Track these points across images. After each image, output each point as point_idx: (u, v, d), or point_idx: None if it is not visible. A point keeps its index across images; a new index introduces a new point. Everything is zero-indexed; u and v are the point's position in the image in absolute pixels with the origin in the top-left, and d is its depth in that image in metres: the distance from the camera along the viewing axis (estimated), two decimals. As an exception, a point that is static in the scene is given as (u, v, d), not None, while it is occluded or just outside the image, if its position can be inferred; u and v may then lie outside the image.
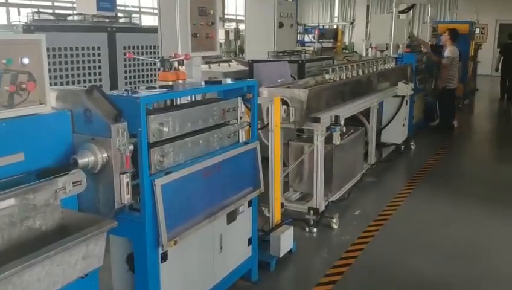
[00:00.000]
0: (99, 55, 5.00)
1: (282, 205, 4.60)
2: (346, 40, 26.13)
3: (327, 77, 5.13)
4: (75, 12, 5.81)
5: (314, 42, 14.18)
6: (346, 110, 4.96)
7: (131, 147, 2.37)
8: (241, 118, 3.34)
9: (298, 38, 17.92)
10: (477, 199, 5.36)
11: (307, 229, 4.43)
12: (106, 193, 2.29)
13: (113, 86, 5.09)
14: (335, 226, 4.52)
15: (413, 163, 7.00)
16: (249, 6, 9.39)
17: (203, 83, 3.00)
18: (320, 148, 4.43)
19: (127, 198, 2.29)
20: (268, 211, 4.09)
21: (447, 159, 7.15)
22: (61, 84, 4.68)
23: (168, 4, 3.12)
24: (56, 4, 14.05)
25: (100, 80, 5.01)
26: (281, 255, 3.81)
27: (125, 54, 5.20)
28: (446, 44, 8.91)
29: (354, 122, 5.87)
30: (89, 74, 4.90)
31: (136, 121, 2.32)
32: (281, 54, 6.91)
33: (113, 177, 2.25)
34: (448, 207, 5.11)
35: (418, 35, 10.46)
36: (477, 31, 13.90)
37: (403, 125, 7.16)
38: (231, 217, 3.17)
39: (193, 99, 3.12)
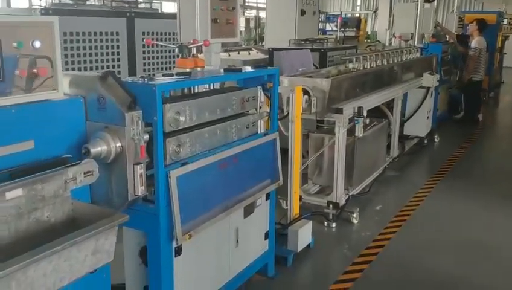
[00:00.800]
0: (117, 40, 4.89)
1: (300, 198, 4.49)
2: (368, 29, 25.72)
3: (350, 66, 4.97)
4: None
5: (336, 31, 13.90)
6: (369, 101, 4.79)
7: (147, 137, 2.27)
8: (260, 107, 3.22)
9: (319, 27, 17.66)
10: (503, 196, 5.16)
11: (326, 223, 4.31)
12: (119, 184, 2.19)
13: (132, 72, 5.00)
14: (355, 221, 4.39)
15: (436, 157, 6.80)
16: (270, -8, 9.22)
17: (222, 70, 2.88)
18: (342, 141, 4.28)
19: (140, 190, 2.19)
20: (286, 203, 3.98)
21: (471, 153, 6.92)
22: (78, 69, 4.61)
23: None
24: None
25: (118, 66, 4.92)
26: (299, 250, 3.69)
27: (143, 40, 5.12)
28: (473, 34, 8.62)
29: (376, 113, 5.71)
30: (107, 60, 4.81)
31: (151, 109, 2.21)
32: (302, 42, 6.74)
33: (127, 168, 2.15)
34: (473, 204, 4.93)
35: (444, 25, 10.14)
36: (505, 22, 13.46)
37: (427, 117, 6.95)
38: (248, 211, 3.06)
39: (212, 87, 3.01)
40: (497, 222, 4.53)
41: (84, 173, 2.00)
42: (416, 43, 8.45)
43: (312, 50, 6.27)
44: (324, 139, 4.62)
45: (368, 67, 5.18)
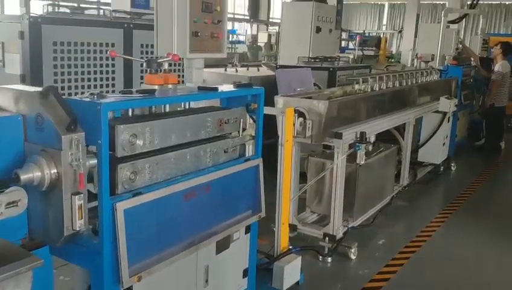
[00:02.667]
0: (113, 52, 4.66)
1: (295, 227, 4.16)
2: (393, 49, 25.27)
3: (356, 87, 4.63)
4: (101, 6, 5.56)
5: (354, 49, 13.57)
6: (375, 126, 4.44)
7: (93, 162, 1.99)
8: (244, 130, 2.92)
9: (343, 45, 17.33)
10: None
11: (320, 258, 3.94)
12: (55, 216, 1.91)
13: (128, 85, 4.77)
14: (353, 257, 4.01)
15: (451, 187, 6.36)
16: (286, 9, 8.99)
17: (196, 88, 2.59)
18: (341, 168, 3.94)
19: (79, 224, 1.91)
20: (278, 233, 3.64)
21: (490, 184, 6.45)
22: (69, 81, 4.40)
23: (167, -4, 2.73)
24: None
25: (113, 78, 4.71)
26: (285, 288, 3.34)
27: (142, 52, 4.90)
28: (497, 58, 8.17)
29: (388, 137, 5.36)
30: (101, 72, 4.60)
31: (96, 131, 1.93)
32: (312, 60, 6.44)
33: (63, 198, 1.87)
34: (487, 245, 4.47)
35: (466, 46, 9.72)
36: (534, 45, 12.89)
37: (443, 144, 6.52)
38: (222, 246, 2.74)
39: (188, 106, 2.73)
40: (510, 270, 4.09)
41: (8, 203, 1.72)
42: (437, 65, 8.08)
43: (320, 69, 5.97)
44: (325, 164, 4.28)
45: (377, 89, 4.83)
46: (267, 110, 3.29)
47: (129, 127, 2.09)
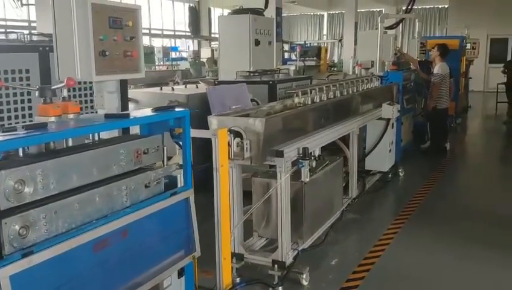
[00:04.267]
0: (28, 79, 4.21)
1: (241, 256, 3.82)
2: (335, 57, 25.63)
3: (296, 100, 4.38)
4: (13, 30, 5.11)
5: (296, 60, 13.51)
6: (318, 140, 4.20)
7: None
8: (170, 158, 2.58)
9: (286, 57, 17.29)
10: (476, 241, 4.54)
11: (270, 289, 3.62)
12: None
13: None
14: (305, 283, 3.71)
15: (401, 194, 6.23)
16: (222, 22, 8.72)
17: (102, 117, 2.23)
18: (285, 188, 3.65)
19: None
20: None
21: (439, 188, 6.37)
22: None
23: (65, 11, 2.35)
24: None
25: (30, 108, 4.24)
26: (229, 330, 3.00)
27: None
28: (435, 60, 8.22)
29: (334, 147, 5.15)
30: (15, 102, 4.13)
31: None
32: (251, 74, 6.17)
33: None
34: (442, 252, 4.30)
35: (407, 51, 9.80)
36: (468, 46, 13.29)
37: (390, 150, 6.40)
38: (149, 296, 2.37)
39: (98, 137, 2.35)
40: (472, 276, 3.91)
41: None
42: (377, 71, 8.04)
43: (260, 83, 5.72)
44: (270, 184, 3.98)
45: (318, 100, 4.61)
46: (197, 133, 2.97)
47: (13, 172, 1.71)
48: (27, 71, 4.18)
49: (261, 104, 4.49)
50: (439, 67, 8.06)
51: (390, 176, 6.57)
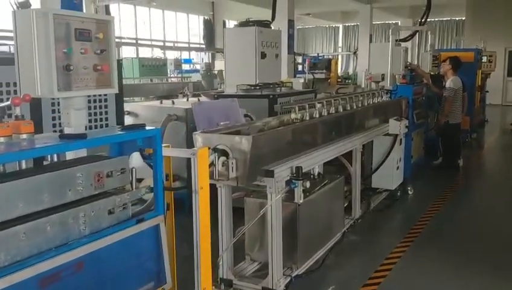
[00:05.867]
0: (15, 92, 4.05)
1: (230, 282, 3.60)
2: (350, 70, 25.39)
3: (293, 116, 4.17)
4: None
5: (310, 72, 13.30)
6: (315, 158, 3.97)
7: None
8: (140, 181, 2.38)
9: (300, 69, 17.10)
10: (487, 267, 4.24)
11: (258, 319, 3.39)
12: None
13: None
14: (297, 314, 3.48)
15: (409, 214, 5.93)
16: (228, 35, 8.58)
17: (57, 137, 2.04)
18: (277, 210, 3.43)
19: None
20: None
21: (450, 208, 6.05)
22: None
23: (25, 21, 2.18)
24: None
25: None
26: None
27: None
28: (447, 74, 7.93)
29: (338, 163, 4.91)
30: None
31: None
32: (252, 88, 5.98)
33: None
34: (450, 280, 4.02)
35: (419, 64, 9.54)
36: (485, 59, 12.92)
37: (397, 168, 6.12)
38: (109, 335, 2.16)
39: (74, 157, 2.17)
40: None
41: None
42: (388, 84, 7.80)
43: (260, 97, 5.52)
44: (263, 204, 3.75)
45: (317, 116, 4.39)
46: (174, 152, 2.76)
47: None
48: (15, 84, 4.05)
49: (255, 120, 4.27)
50: (451, 81, 7.77)
51: (398, 194, 6.28)
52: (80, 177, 2.01)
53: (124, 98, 10.15)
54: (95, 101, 4.63)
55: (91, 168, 2.06)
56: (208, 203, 2.81)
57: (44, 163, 2.13)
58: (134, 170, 2.29)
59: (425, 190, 6.86)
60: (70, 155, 2.35)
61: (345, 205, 4.93)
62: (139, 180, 2.39)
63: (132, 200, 2.24)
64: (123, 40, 19.72)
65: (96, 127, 4.62)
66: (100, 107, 4.73)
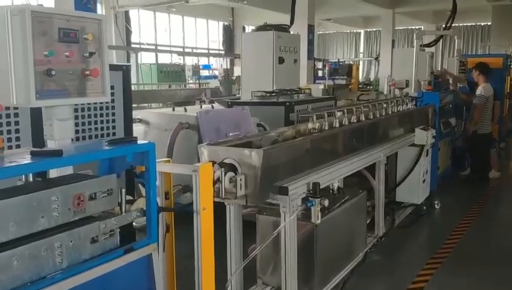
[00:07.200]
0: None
1: (240, 310, 3.27)
2: (372, 76, 24.89)
3: (310, 126, 3.83)
4: None
5: (330, 79, 12.92)
6: (335, 172, 3.62)
7: None
8: (131, 202, 2.07)
9: (320, 75, 16.72)
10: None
11: None
12: None
13: (39, 146, 3.88)
14: None
15: (437, 231, 5.51)
16: (245, 40, 8.31)
17: (28, 154, 1.74)
18: (290, 231, 3.08)
19: None
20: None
21: (480, 224, 5.62)
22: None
23: (0, 20, 1.90)
24: None
25: (17, 138, 3.82)
26: None
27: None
28: (479, 81, 7.49)
29: (358, 173, 4.54)
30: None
31: None
32: (268, 95, 5.65)
33: None
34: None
35: (445, 69, 9.11)
36: (514, 64, 12.35)
37: (423, 180, 5.70)
38: None
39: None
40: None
41: None
42: (413, 91, 7.42)
43: (275, 104, 5.19)
44: (277, 223, 3.41)
45: (337, 125, 4.04)
46: (174, 168, 2.45)
47: None
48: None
49: (269, 130, 3.94)
50: (482, 88, 7.33)
51: (424, 208, 5.86)
52: (57, 201, 1.71)
53: (141, 105, 9.95)
54: (101, 108, 4.37)
55: (69, 190, 1.76)
56: (212, 226, 2.48)
57: (19, 183, 1.84)
58: (123, 191, 1.98)
59: (453, 203, 6.42)
60: (54, 173, 2.06)
61: (368, 221, 4.55)
62: (131, 202, 2.08)
63: (118, 227, 1.92)
64: (142, 46, 19.67)
65: (102, 136, 4.36)
66: (107, 115, 4.46)
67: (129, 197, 2.10)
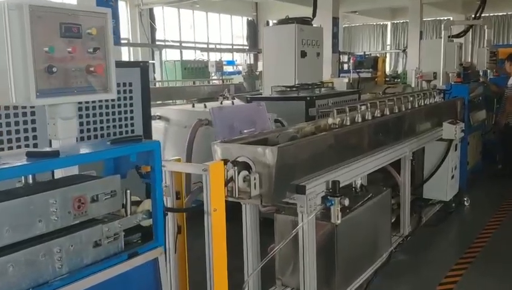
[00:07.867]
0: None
1: (257, 312, 3.16)
2: (400, 68, 24.37)
3: (331, 121, 3.68)
4: None
5: (355, 72, 12.64)
6: (356, 170, 3.46)
7: None
8: (136, 204, 1.98)
9: (345, 68, 16.42)
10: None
11: None
12: None
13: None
14: None
15: (466, 229, 5.29)
16: (267, 34, 8.17)
17: (23, 155, 1.66)
18: (309, 231, 2.95)
19: None
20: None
21: (512, 222, 5.37)
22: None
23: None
24: None
25: (35, 137, 3.78)
26: None
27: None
28: (510, 72, 7.19)
29: (383, 173, 4.37)
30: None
31: None
32: (288, 90, 5.51)
33: None
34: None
35: (473, 60, 8.79)
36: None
37: (452, 177, 5.46)
38: None
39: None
40: None
41: None
42: (441, 83, 7.16)
43: (296, 99, 5.05)
44: (296, 223, 3.28)
45: (360, 120, 3.88)
46: (184, 167, 2.36)
47: None
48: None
49: (287, 126, 3.80)
50: (513, 79, 7.03)
51: (453, 205, 5.63)
52: (53, 205, 1.63)
53: (166, 101, 9.93)
54: (119, 106, 4.30)
55: (68, 192, 1.68)
56: (224, 227, 2.37)
57: (18, 185, 1.77)
58: (128, 192, 1.89)
59: (483, 200, 6.17)
60: (59, 173, 1.99)
61: (393, 220, 4.37)
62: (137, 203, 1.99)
63: (122, 229, 1.83)
64: (167, 43, 19.74)
65: (121, 133, 4.31)
66: (125, 112, 4.40)
67: (136, 198, 2.01)
